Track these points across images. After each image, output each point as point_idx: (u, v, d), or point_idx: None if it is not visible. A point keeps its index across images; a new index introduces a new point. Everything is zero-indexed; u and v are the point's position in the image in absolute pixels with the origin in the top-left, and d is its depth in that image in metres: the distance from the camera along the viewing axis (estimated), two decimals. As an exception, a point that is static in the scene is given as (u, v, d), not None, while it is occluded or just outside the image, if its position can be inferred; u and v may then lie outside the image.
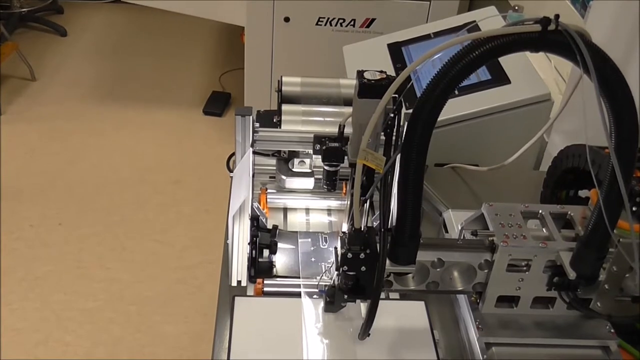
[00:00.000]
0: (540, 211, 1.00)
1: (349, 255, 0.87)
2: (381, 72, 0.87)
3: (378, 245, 0.86)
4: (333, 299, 0.96)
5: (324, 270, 1.12)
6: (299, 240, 1.19)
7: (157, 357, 2.03)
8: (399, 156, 0.81)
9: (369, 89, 0.86)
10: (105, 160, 2.86)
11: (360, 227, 0.87)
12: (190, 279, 2.28)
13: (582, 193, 1.24)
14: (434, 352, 0.97)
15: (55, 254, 2.37)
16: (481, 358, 0.95)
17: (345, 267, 0.89)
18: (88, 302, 2.20)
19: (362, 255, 0.87)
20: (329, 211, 1.29)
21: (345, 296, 0.93)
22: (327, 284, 1.00)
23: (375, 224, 1.21)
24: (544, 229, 0.99)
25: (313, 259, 1.12)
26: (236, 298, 1.02)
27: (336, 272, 0.92)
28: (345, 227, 0.96)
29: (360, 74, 0.87)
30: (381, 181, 0.84)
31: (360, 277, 0.90)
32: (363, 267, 0.88)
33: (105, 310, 2.18)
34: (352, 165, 0.90)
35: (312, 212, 1.29)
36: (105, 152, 2.91)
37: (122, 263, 2.36)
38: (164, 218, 2.57)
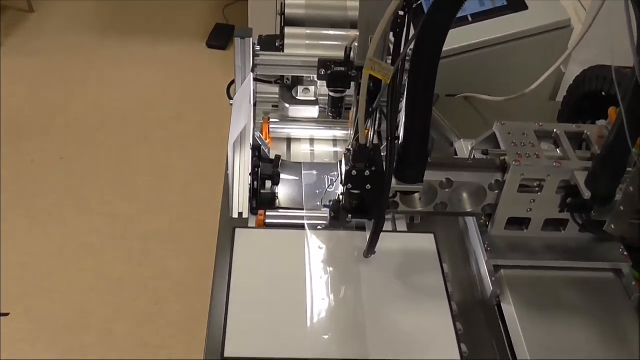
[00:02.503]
0: (555, 130, 0.96)
1: (354, 172, 0.83)
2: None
3: (385, 162, 0.81)
4: (338, 214, 0.91)
5: (326, 186, 1.07)
6: (303, 172, 1.15)
7: (161, 291, 2.01)
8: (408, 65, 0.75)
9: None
10: (106, 94, 2.80)
11: (366, 143, 0.82)
12: (194, 215, 2.25)
13: (600, 123, 1.18)
14: (442, 279, 0.94)
15: (57, 189, 2.34)
16: (489, 281, 0.93)
17: (350, 185, 0.85)
18: (91, 237, 2.18)
19: (367, 173, 0.83)
20: (335, 141, 1.24)
21: (350, 216, 0.89)
22: (332, 199, 0.95)
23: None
24: (558, 150, 0.95)
25: (317, 191, 1.07)
26: (237, 230, 0.98)
27: (341, 187, 0.88)
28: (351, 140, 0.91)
29: (367, -33, 0.80)
30: (389, 89, 0.79)
31: (365, 196, 0.86)
32: (368, 185, 0.84)
33: (109, 245, 2.16)
34: (359, 69, 0.84)
35: (316, 142, 1.24)
36: (106, 86, 2.84)
37: (125, 198, 2.33)
38: (167, 153, 2.52)
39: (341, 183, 0.87)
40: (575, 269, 0.94)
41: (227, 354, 0.81)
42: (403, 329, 0.87)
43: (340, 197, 0.90)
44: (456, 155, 1.16)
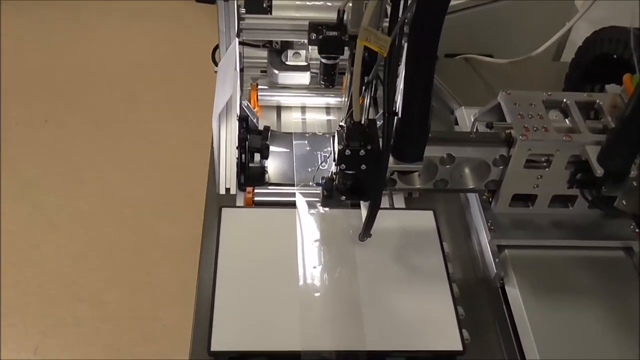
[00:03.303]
0: (564, 100, 0.89)
1: (347, 152, 0.77)
2: None
3: (381, 138, 0.74)
4: (331, 193, 0.85)
5: (319, 162, 1.01)
6: (294, 142, 1.08)
7: (153, 260, 1.97)
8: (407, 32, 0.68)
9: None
10: (93, 53, 2.70)
11: (361, 120, 0.75)
12: (186, 180, 2.19)
13: (610, 88, 1.12)
14: (442, 259, 0.88)
15: (42, 153, 2.27)
16: (492, 262, 0.87)
17: (343, 166, 0.78)
18: (80, 204, 2.12)
19: (362, 152, 0.77)
20: (328, 109, 1.17)
21: (344, 197, 0.84)
22: (325, 176, 0.89)
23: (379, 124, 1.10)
24: (567, 120, 0.89)
25: (310, 170, 1.01)
26: (223, 209, 0.92)
27: (334, 165, 0.82)
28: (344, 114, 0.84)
29: None
30: (385, 62, 0.71)
31: (360, 176, 0.80)
32: (363, 166, 0.78)
33: (99, 213, 2.10)
34: (352, 38, 0.76)
35: (308, 110, 1.17)
36: (92, 45, 2.74)
37: (114, 163, 2.26)
38: (156, 115, 2.45)
39: (334, 161, 0.81)
40: (584, 247, 0.89)
41: (214, 348, 0.76)
42: (402, 315, 0.81)
43: (334, 175, 0.84)
44: (457, 124, 1.09)
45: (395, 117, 0.74)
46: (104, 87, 2.54)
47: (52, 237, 2.02)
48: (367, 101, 0.78)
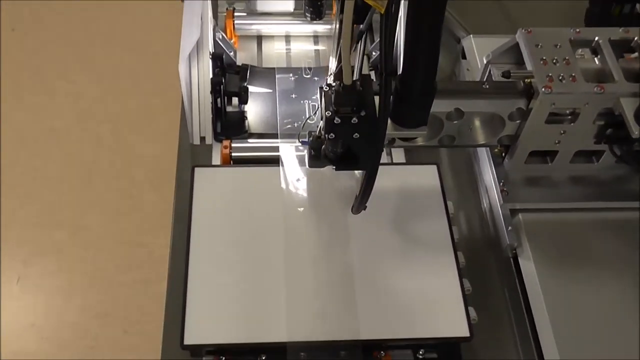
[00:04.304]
0: (596, 38, 0.75)
1: (337, 120, 0.63)
2: None
3: (378, 100, 0.61)
4: (319, 152, 0.72)
5: (304, 119, 0.89)
6: (277, 77, 0.94)
7: (134, 181, 1.86)
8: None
9: None
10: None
11: (353, 84, 0.61)
12: (167, 92, 2.03)
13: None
14: (447, 223, 0.77)
15: (9, 64, 2.10)
16: (504, 230, 0.77)
17: (332, 135, 0.65)
18: (54, 120, 1.97)
19: (354, 120, 0.63)
20: (316, 37, 1.02)
21: (334, 167, 0.71)
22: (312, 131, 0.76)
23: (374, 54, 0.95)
24: (596, 60, 0.75)
25: (296, 124, 0.88)
26: (196, 169, 0.80)
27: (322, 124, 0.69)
28: (332, 67, 0.70)
29: None
30: (382, 18, 0.56)
31: (352, 146, 0.67)
32: (356, 134, 0.64)
33: (75, 130, 1.96)
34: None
35: (293, 39, 1.01)
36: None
37: (89, 75, 2.09)
38: (132, 23, 2.24)
39: (322, 119, 0.68)
40: (607, 209, 0.78)
41: (187, 342, 0.67)
42: (401, 296, 0.72)
43: (322, 135, 0.71)
44: (464, 57, 0.94)
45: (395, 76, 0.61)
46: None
47: (26, 158, 1.89)
48: (359, 57, 0.64)
